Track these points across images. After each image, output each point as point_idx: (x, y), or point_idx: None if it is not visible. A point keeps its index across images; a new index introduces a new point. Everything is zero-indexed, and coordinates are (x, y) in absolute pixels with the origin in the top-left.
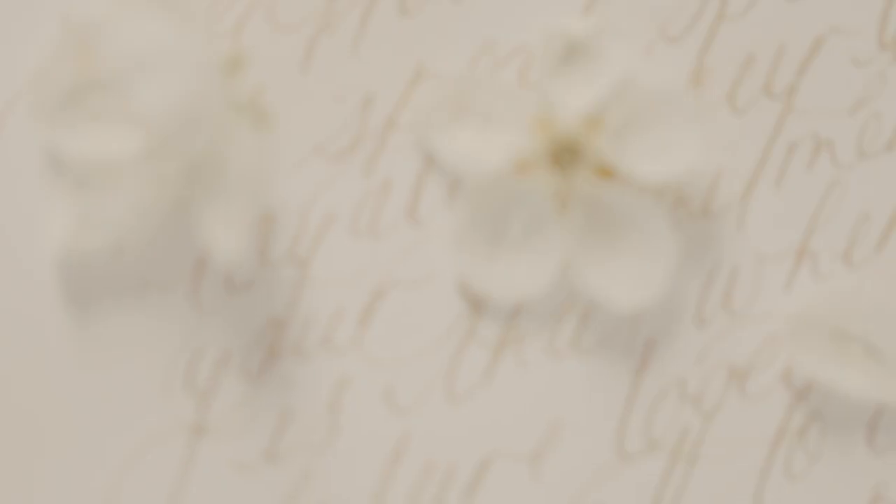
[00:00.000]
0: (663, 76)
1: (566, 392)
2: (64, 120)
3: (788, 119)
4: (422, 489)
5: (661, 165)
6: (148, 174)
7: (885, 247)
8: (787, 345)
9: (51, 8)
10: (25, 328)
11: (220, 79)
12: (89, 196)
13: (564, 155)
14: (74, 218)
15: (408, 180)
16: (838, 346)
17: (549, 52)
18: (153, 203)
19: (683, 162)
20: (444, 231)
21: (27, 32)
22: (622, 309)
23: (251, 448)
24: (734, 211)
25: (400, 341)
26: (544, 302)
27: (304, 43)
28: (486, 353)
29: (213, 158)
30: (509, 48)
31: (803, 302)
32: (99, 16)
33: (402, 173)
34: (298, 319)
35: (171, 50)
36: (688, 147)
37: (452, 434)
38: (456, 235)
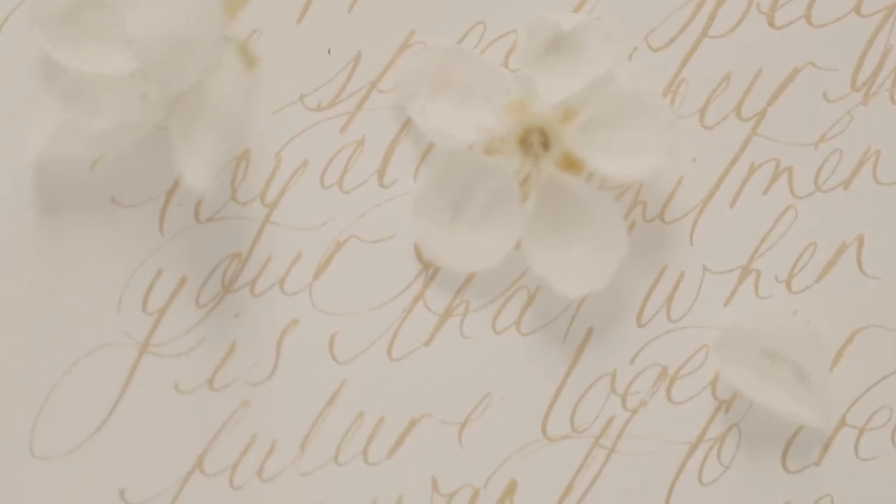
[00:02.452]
0: (641, 81)
1: (502, 368)
2: (62, 32)
3: (754, 141)
4: (350, 436)
5: (625, 166)
6: (134, 95)
7: (825, 277)
8: (718, 356)
9: None
10: None
11: (217, 17)
12: (75, 107)
13: (534, 141)
14: (58, 126)
15: (382, 141)
16: (767, 365)
17: (534, 41)
18: (135, 124)
19: (647, 166)
20: (408, 195)
21: None
22: (567, 294)
23: (194, 373)
24: (688, 221)
25: (351, 294)
26: (494, 278)
27: None
28: (431, 319)
29: (198, 91)
30: (498, 31)
31: (740, 318)
32: None
33: (377, 134)
34: (257, 258)
35: None
36: (653, 152)
37: (387, 390)
38: (418, 202)
